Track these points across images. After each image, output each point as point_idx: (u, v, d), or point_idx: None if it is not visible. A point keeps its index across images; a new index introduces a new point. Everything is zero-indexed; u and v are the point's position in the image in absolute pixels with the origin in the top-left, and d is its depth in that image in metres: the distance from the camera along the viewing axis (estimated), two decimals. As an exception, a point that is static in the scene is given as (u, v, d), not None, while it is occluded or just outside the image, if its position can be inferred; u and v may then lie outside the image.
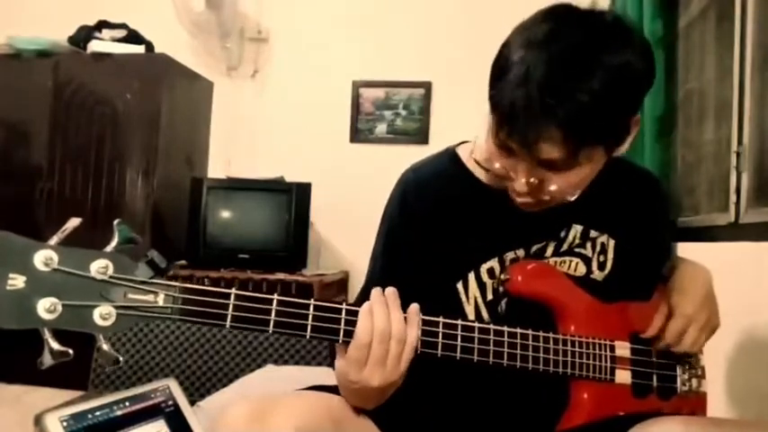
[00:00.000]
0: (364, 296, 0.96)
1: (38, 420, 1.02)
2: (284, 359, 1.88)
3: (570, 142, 0.77)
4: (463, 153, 1.00)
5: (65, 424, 1.00)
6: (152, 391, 1.10)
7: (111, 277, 0.69)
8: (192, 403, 1.24)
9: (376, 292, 0.80)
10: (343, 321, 0.78)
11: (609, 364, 0.91)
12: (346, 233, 3.20)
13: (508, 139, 0.80)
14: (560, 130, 0.75)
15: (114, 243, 0.70)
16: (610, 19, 0.81)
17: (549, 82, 0.74)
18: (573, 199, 0.85)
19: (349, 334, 0.78)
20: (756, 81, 1.64)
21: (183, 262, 2.96)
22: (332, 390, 0.90)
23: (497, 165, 0.85)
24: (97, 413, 1.04)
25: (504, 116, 0.78)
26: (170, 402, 1.10)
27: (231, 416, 0.81)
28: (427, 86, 3.34)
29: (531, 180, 0.81)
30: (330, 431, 0.83)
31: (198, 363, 1.88)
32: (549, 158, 0.79)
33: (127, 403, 1.07)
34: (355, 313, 0.79)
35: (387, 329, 0.77)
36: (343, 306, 0.79)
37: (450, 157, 1.01)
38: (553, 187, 0.82)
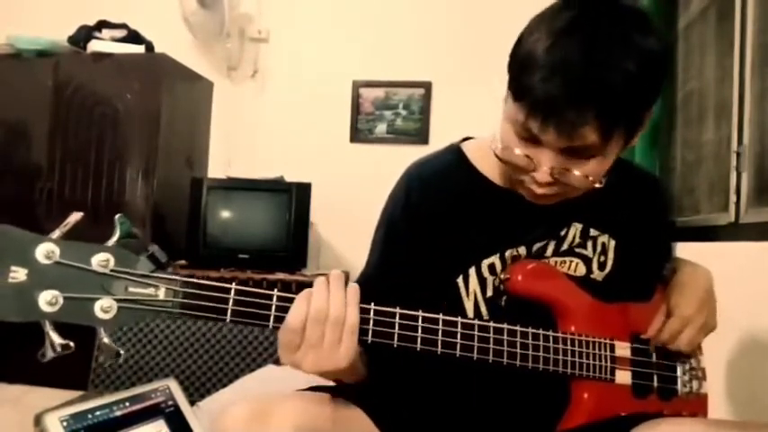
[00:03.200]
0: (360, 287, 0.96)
1: (38, 420, 1.02)
2: (284, 359, 1.87)
3: (607, 125, 0.77)
4: (467, 149, 1.01)
5: (65, 424, 1.00)
6: (152, 391, 1.10)
7: (112, 271, 0.69)
8: (192, 403, 1.24)
9: (319, 279, 0.78)
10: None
11: (609, 364, 0.91)
12: (346, 233, 3.20)
13: (541, 127, 0.78)
14: (599, 112, 0.75)
15: (115, 237, 0.70)
16: (631, 7, 0.81)
17: (585, 66, 0.74)
18: (598, 185, 0.84)
19: None
20: (756, 81, 1.64)
21: (183, 262, 2.96)
22: (332, 390, 0.90)
23: (519, 153, 0.83)
24: (97, 413, 1.04)
25: (539, 104, 0.77)
26: (170, 402, 1.10)
27: (231, 416, 0.81)
28: (427, 86, 3.34)
29: (556, 168, 0.81)
30: (330, 431, 0.83)
31: (198, 363, 1.88)
32: (581, 144, 0.78)
33: (127, 403, 1.07)
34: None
35: (323, 311, 0.75)
36: None
37: (455, 153, 1.01)
38: (577, 173, 0.81)
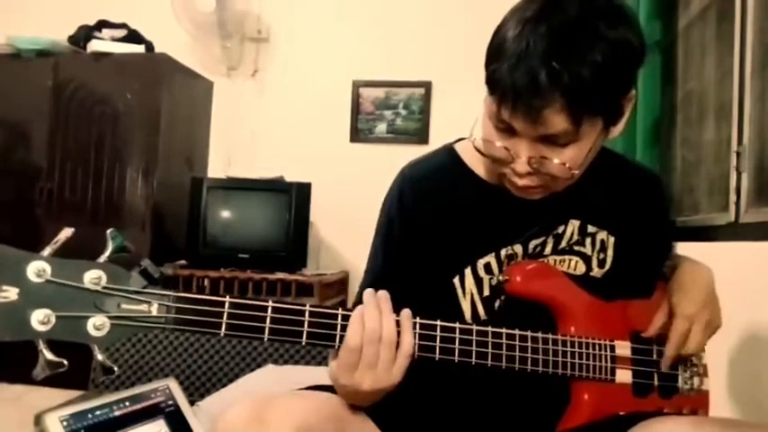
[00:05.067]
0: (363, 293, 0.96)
1: (38, 420, 1.02)
2: (284, 359, 1.88)
3: (574, 111, 0.77)
4: (461, 149, 1.01)
5: (65, 424, 1.00)
6: (152, 391, 1.11)
7: (104, 288, 0.68)
8: (192, 403, 1.24)
9: (368, 294, 0.80)
10: (339, 327, 0.78)
11: (609, 364, 0.91)
12: (346, 233, 3.20)
13: (511, 115, 0.79)
14: (565, 98, 0.76)
15: (108, 252, 0.69)
16: None
17: (551, 51, 0.75)
18: (577, 173, 0.84)
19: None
20: (756, 81, 1.64)
21: (182, 262, 2.96)
22: (332, 390, 0.90)
23: (498, 144, 0.84)
24: (97, 413, 1.04)
25: (507, 92, 0.78)
26: (170, 402, 1.11)
27: (231, 416, 0.81)
28: (427, 86, 3.34)
29: (533, 159, 0.82)
30: (330, 431, 0.83)
31: (198, 363, 1.88)
32: (553, 132, 0.79)
33: (127, 403, 1.07)
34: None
35: (377, 332, 0.77)
36: (339, 311, 0.78)
37: (448, 153, 1.01)
38: (556, 161, 0.81)
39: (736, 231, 1.68)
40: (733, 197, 1.71)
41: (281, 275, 2.81)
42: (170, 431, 1.09)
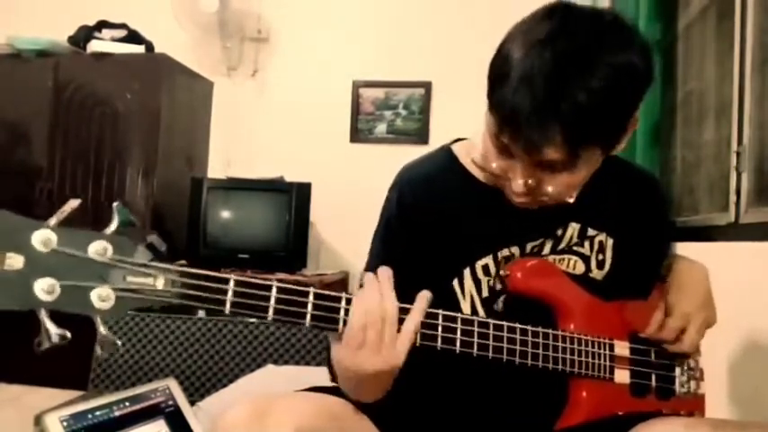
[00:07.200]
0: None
1: (38, 420, 1.02)
2: (284, 359, 1.87)
3: (573, 143, 0.77)
4: (459, 150, 1.01)
5: (65, 424, 1.00)
6: (152, 392, 1.11)
7: (110, 259, 0.67)
8: (192, 403, 1.24)
9: (368, 276, 0.79)
10: (342, 311, 0.77)
11: (608, 363, 0.91)
12: (346, 233, 3.20)
13: (510, 141, 0.79)
14: (564, 131, 0.75)
15: (114, 225, 0.69)
16: (610, 18, 0.81)
17: (553, 82, 0.74)
18: (571, 200, 0.85)
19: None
20: (756, 81, 1.64)
21: (183, 261, 2.95)
22: (332, 390, 0.90)
23: (494, 165, 0.85)
24: (97, 413, 1.04)
25: (507, 119, 0.78)
26: (170, 402, 1.11)
27: (231, 416, 0.81)
28: (427, 86, 3.34)
29: (529, 182, 0.82)
30: (330, 431, 0.83)
31: (198, 363, 1.88)
32: (550, 160, 0.79)
33: (127, 403, 1.07)
34: None
35: (378, 312, 0.76)
36: (343, 295, 0.78)
37: (445, 154, 1.02)
38: (550, 188, 0.82)
39: (737, 231, 1.68)
40: (733, 197, 1.71)
41: (280, 276, 2.81)
42: (170, 431, 1.09)
